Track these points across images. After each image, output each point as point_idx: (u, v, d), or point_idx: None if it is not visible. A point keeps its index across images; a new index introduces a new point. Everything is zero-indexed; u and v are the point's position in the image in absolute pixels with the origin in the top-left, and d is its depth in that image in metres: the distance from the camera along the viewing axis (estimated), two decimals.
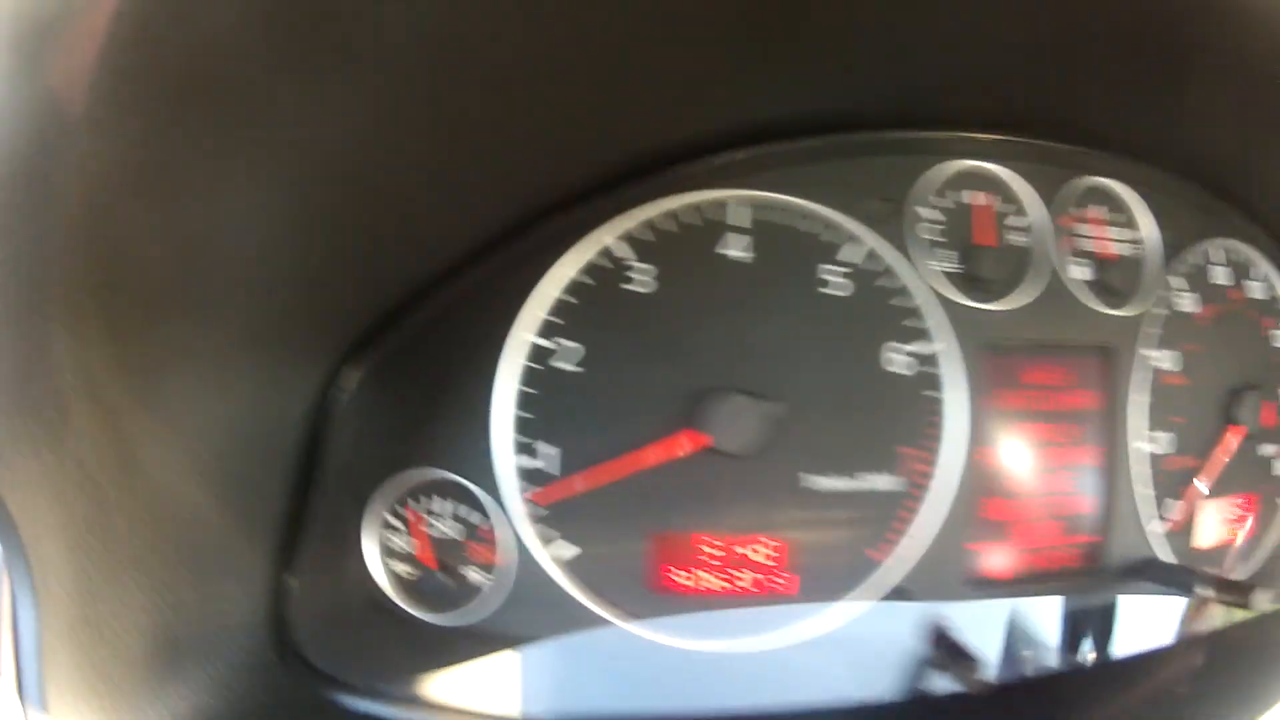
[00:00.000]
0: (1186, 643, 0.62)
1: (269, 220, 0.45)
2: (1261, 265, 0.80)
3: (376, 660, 0.57)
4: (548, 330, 0.58)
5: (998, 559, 0.65)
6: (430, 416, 0.59)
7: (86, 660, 0.42)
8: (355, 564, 0.59)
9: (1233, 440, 0.76)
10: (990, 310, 0.63)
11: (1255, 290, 0.80)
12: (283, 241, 0.47)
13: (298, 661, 0.55)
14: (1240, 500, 0.80)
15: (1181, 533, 0.76)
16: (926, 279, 0.61)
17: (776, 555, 0.60)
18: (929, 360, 0.61)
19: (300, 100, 0.40)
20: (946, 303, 0.61)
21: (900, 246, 0.61)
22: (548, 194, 0.60)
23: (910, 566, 0.61)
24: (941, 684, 0.55)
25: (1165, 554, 0.72)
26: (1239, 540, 0.81)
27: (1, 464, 0.36)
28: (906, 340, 0.61)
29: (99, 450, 0.42)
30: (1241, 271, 0.79)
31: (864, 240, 0.60)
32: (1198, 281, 0.75)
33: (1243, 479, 0.81)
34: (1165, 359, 0.72)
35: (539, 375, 0.58)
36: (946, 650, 0.53)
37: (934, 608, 0.58)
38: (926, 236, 0.62)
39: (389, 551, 0.59)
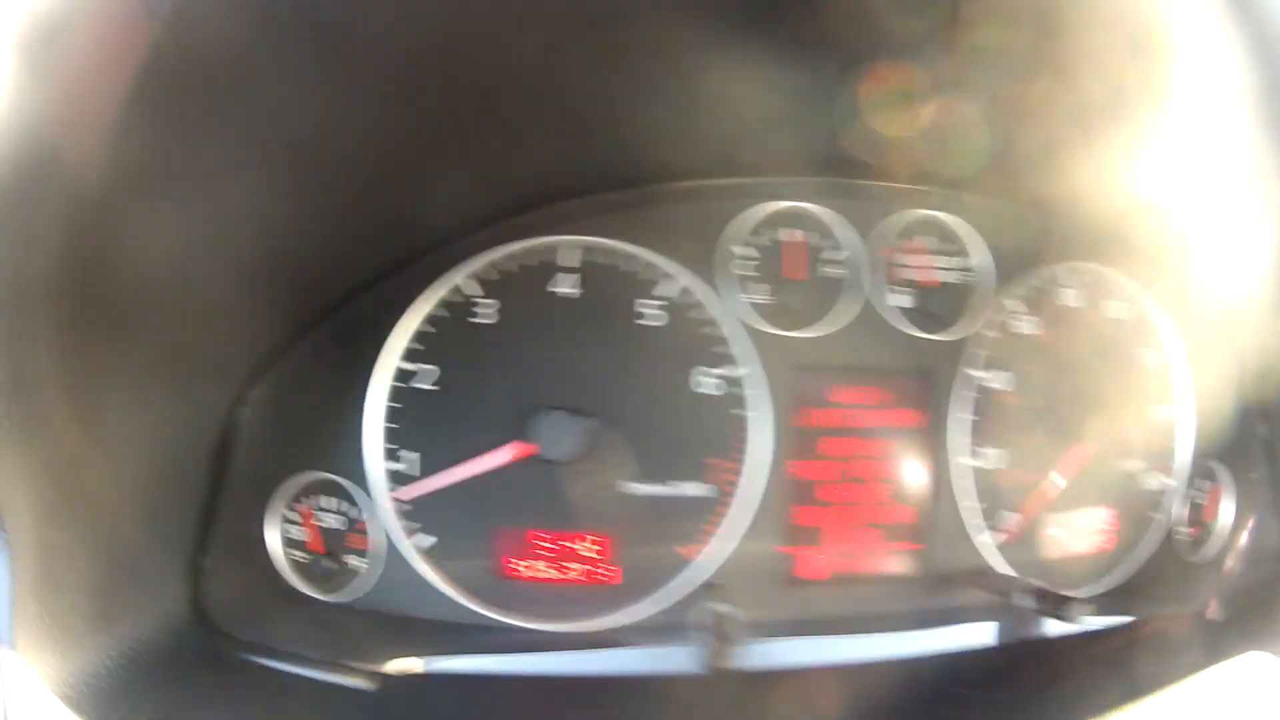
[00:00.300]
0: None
1: (248, 226, 0.58)
2: (1126, 287, 0.85)
3: (274, 627, 0.72)
4: (410, 355, 0.72)
5: (812, 562, 0.75)
6: (317, 428, 0.73)
7: (46, 610, 0.58)
8: (259, 549, 0.75)
9: (1080, 456, 0.81)
10: (798, 337, 0.73)
11: (1117, 311, 0.85)
12: (244, 252, 0.61)
13: (209, 624, 0.70)
14: (1103, 514, 0.85)
15: (1024, 544, 0.82)
16: (735, 311, 0.72)
17: (600, 550, 0.73)
18: (735, 383, 0.72)
19: (293, 102, 0.50)
20: (753, 331, 0.72)
21: (711, 282, 0.72)
22: (415, 241, 0.74)
23: (721, 565, 0.72)
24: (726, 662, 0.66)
25: (1000, 564, 0.79)
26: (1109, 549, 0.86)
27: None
28: (715, 365, 0.71)
29: (59, 449, 0.59)
30: (1101, 293, 0.84)
31: (678, 278, 0.71)
32: (1041, 304, 0.82)
33: (1103, 493, 0.86)
34: (996, 379, 0.79)
35: (403, 393, 0.72)
36: (719, 636, 0.63)
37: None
38: (738, 272, 0.73)
39: (287, 540, 0.75)
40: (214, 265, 0.61)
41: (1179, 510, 0.87)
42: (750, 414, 0.71)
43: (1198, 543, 0.89)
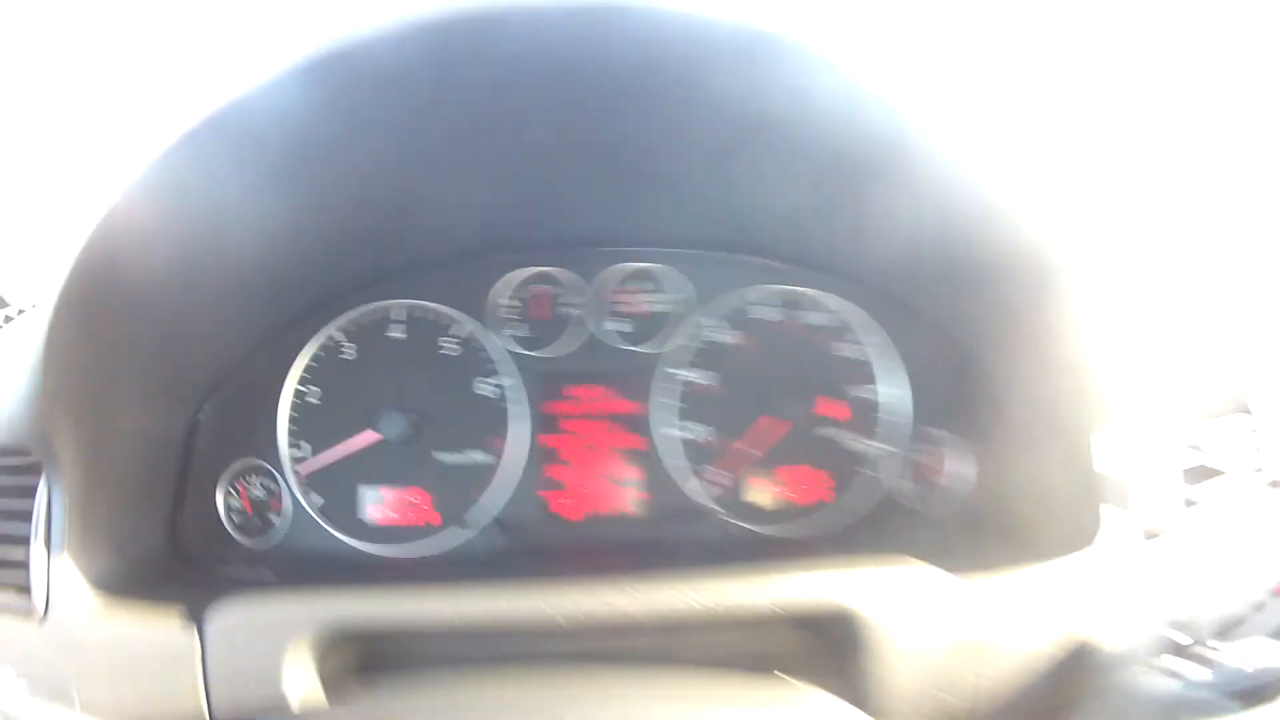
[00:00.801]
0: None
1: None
2: (823, 300, 1.24)
3: (222, 559, 1.21)
4: (303, 381, 1.22)
5: (564, 504, 1.19)
6: (249, 428, 1.22)
7: (81, 534, 0.99)
8: (212, 510, 1.21)
9: (768, 428, 1.21)
10: (544, 356, 1.19)
11: (815, 319, 1.25)
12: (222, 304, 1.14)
13: (183, 556, 1.19)
14: (815, 473, 1.23)
15: (737, 496, 1.21)
16: (502, 342, 1.18)
17: (424, 500, 1.19)
18: (502, 388, 1.18)
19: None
20: (514, 355, 1.18)
21: (485, 324, 1.19)
22: (305, 306, 1.24)
23: (503, 507, 1.17)
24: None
25: (709, 505, 1.19)
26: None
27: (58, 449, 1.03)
28: (489, 377, 1.18)
29: (86, 435, 1.06)
30: (798, 306, 1.24)
31: (465, 323, 1.19)
32: (738, 318, 1.23)
33: (813, 456, 1.22)
34: (696, 375, 1.21)
35: (299, 405, 1.21)
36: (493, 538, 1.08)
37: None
38: (504, 316, 1.19)
39: (228, 506, 1.24)
40: (205, 311, 1.11)
41: (898, 470, 1.21)
42: (512, 407, 1.18)
43: (921, 497, 1.25)
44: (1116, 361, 0.91)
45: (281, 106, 0.80)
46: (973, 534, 1.14)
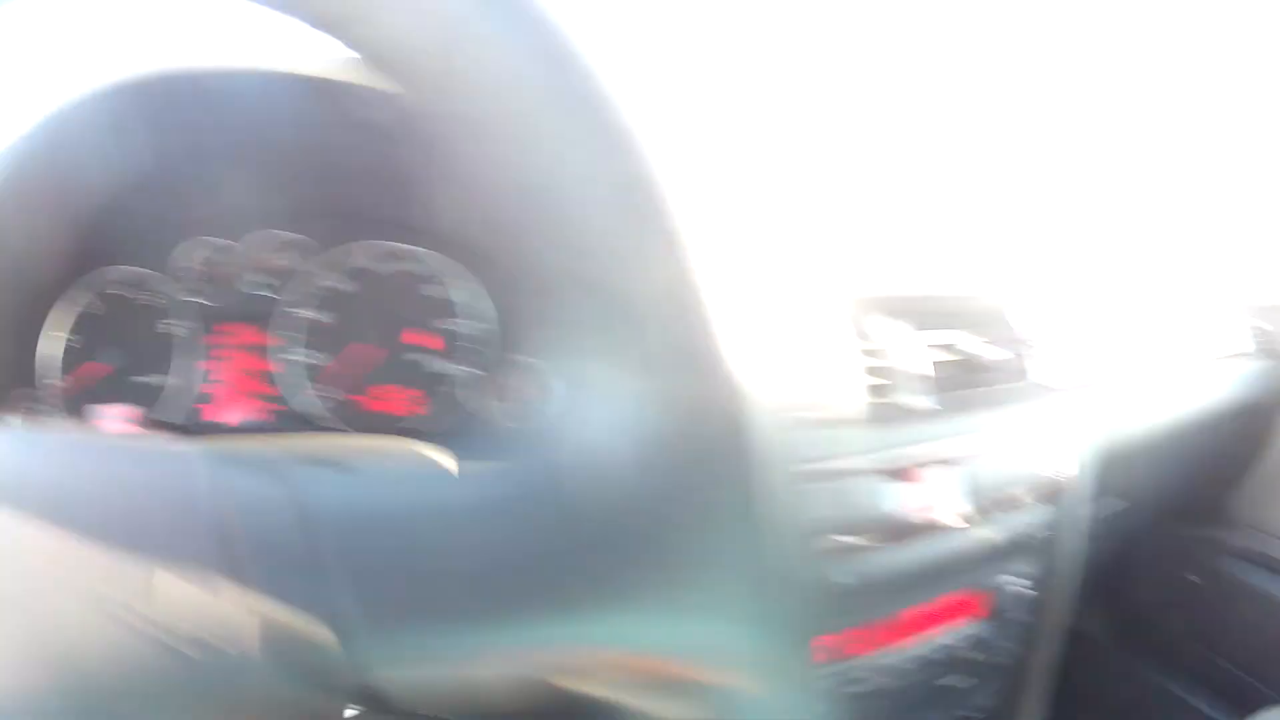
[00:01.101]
0: None
1: None
2: (419, 253, 1.63)
3: None
4: (71, 331, 1.77)
5: (217, 412, 1.65)
6: (28, 365, 1.80)
7: None
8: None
9: (370, 354, 1.60)
10: (207, 303, 1.66)
11: (413, 268, 1.63)
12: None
13: None
14: (410, 391, 1.62)
15: (345, 407, 1.62)
16: (179, 294, 1.67)
17: (133, 414, 1.69)
18: (181, 327, 1.67)
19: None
20: (186, 302, 1.66)
21: (170, 279, 1.68)
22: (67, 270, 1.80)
23: (177, 415, 1.65)
24: None
25: (326, 411, 1.60)
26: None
27: None
28: (169, 319, 1.67)
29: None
30: (404, 256, 1.63)
31: (155, 279, 1.69)
32: (349, 270, 1.64)
33: (410, 378, 1.62)
34: (314, 314, 1.63)
35: (68, 352, 1.77)
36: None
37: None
38: (183, 273, 1.68)
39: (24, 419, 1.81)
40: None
41: (485, 391, 1.59)
42: (184, 341, 1.66)
43: (505, 414, 1.60)
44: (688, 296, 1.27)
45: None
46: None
